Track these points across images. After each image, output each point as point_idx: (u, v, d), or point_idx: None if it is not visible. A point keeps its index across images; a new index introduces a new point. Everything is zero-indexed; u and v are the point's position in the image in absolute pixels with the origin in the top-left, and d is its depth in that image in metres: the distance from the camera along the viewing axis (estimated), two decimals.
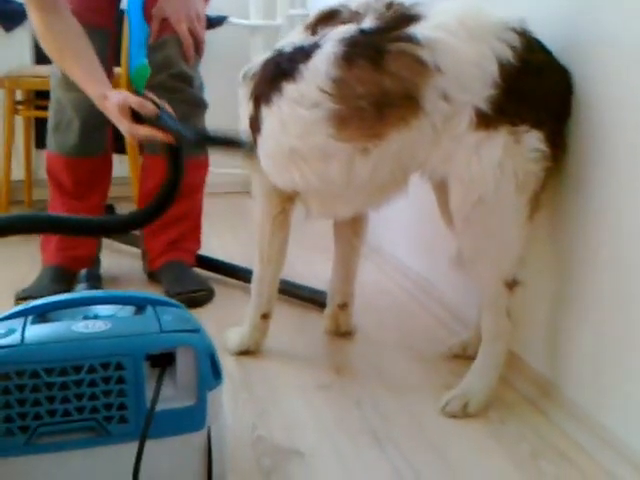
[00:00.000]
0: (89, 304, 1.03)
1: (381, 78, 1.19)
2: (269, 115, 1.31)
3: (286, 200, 1.45)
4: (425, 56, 1.17)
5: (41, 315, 0.99)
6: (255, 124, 1.36)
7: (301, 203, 1.45)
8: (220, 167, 2.95)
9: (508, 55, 1.16)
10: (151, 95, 1.45)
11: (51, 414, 0.90)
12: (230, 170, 3.01)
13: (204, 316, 1.76)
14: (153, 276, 1.95)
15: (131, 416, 0.94)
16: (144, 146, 1.95)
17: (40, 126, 2.48)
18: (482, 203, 1.22)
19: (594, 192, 1.20)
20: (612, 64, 1.14)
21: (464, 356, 1.52)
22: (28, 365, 0.88)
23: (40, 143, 2.61)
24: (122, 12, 1.91)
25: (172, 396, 0.97)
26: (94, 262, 1.94)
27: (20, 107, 2.54)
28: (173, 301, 1.08)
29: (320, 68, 1.23)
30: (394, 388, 1.43)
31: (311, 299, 1.83)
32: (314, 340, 1.66)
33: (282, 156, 1.32)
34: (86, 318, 0.97)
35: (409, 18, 1.21)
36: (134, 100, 1.42)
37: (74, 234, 1.34)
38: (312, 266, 2.08)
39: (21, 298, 1.72)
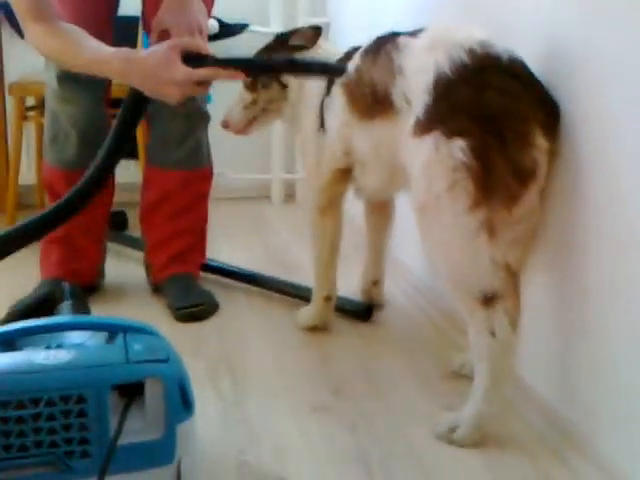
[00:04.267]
0: (57, 330, 1.00)
1: (374, 71, 1.38)
2: (329, 108, 1.55)
3: (335, 194, 1.64)
4: (395, 57, 1.31)
5: (6, 343, 0.96)
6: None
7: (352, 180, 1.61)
8: (238, 172, 2.95)
9: (445, 67, 1.20)
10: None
11: (6, 448, 0.87)
12: (247, 175, 3.00)
13: (206, 326, 1.75)
14: (157, 289, 1.91)
15: (94, 450, 0.90)
16: (146, 157, 1.92)
17: None
18: (424, 211, 1.25)
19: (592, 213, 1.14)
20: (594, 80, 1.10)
21: (463, 375, 1.47)
22: None
23: None
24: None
25: (139, 429, 0.94)
26: (97, 275, 1.91)
27: (31, 113, 2.51)
28: (147, 327, 1.04)
29: (352, 61, 1.47)
30: (393, 410, 1.37)
31: (297, 295, 1.87)
32: (316, 356, 1.61)
33: (337, 135, 1.53)
34: (49, 348, 0.93)
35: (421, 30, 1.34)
36: (185, 41, 1.27)
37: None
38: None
39: (14, 310, 1.69)
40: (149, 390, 0.94)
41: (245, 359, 1.59)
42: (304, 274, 1.97)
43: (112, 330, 1.01)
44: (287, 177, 3.03)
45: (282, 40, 1.68)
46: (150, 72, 1.26)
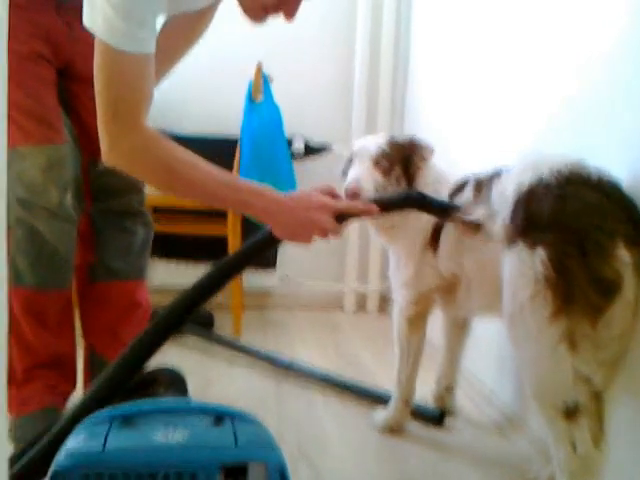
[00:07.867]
0: (173, 412, 1.08)
1: (485, 197, 1.47)
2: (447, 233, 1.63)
3: (426, 308, 1.74)
4: (494, 185, 1.43)
5: (127, 421, 1.04)
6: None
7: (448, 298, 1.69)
8: (314, 281, 3.10)
9: (531, 184, 1.29)
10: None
11: None
12: (322, 285, 3.14)
13: (285, 423, 1.78)
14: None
15: None
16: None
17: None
18: (511, 320, 1.30)
19: None
20: None
21: None
22: (107, 470, 0.93)
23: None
24: None
25: None
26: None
27: None
28: (249, 414, 1.11)
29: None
30: None
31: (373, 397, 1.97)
32: (392, 457, 1.64)
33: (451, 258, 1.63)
34: (166, 427, 1.02)
35: None
36: (342, 204, 1.36)
37: None
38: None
39: None
40: (252, 474, 1.00)
41: (324, 457, 1.63)
42: (372, 377, 2.12)
43: (220, 415, 1.08)
44: (360, 288, 3.13)
45: (408, 147, 1.73)
46: (298, 199, 1.32)
